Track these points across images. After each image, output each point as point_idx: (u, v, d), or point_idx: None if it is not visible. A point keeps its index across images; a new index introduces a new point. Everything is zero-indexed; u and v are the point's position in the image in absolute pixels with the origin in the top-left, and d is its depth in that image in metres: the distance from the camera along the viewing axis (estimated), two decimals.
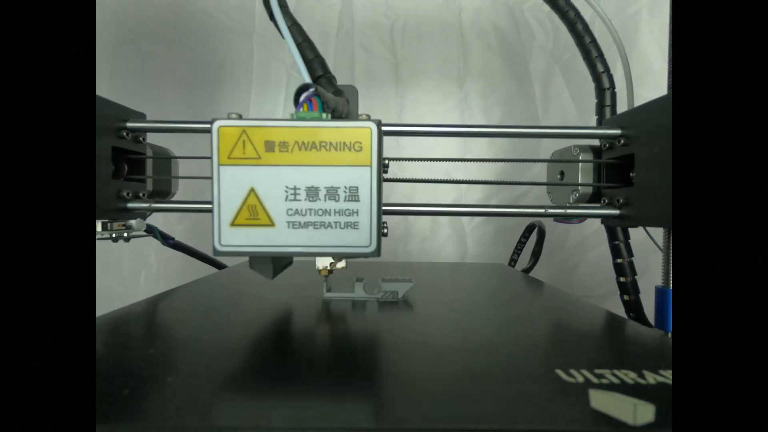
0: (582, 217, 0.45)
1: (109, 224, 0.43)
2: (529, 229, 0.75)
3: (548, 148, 0.52)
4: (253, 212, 0.32)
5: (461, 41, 0.93)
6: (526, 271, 0.71)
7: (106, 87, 0.85)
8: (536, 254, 0.72)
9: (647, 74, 0.84)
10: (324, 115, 0.33)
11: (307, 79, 0.38)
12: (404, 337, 0.34)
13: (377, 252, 0.33)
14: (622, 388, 0.23)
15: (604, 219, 0.46)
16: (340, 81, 0.90)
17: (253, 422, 0.20)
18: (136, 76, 0.90)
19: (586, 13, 0.51)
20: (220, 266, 0.69)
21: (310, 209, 0.32)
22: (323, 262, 0.39)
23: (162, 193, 0.49)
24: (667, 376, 0.25)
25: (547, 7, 0.90)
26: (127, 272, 0.94)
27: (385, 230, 0.35)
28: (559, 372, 0.25)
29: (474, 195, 0.93)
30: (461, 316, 0.41)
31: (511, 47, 0.93)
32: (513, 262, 0.77)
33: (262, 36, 0.93)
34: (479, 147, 0.92)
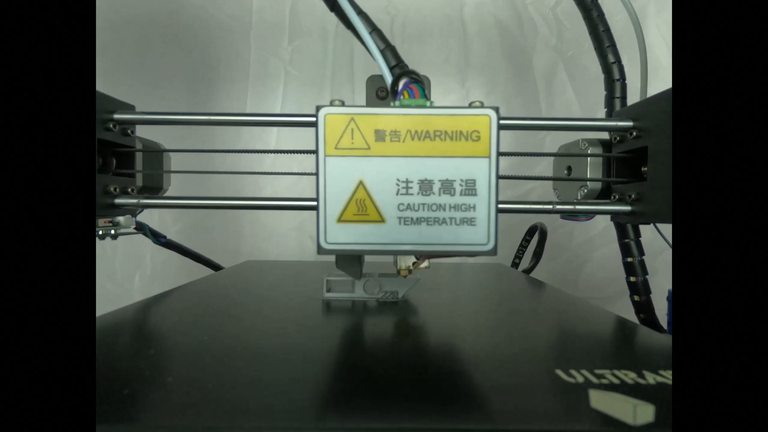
0: (590, 214, 0.43)
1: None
2: (531, 231, 0.74)
3: (553, 145, 0.50)
4: (361, 207, 0.30)
5: (463, 37, 0.92)
6: (527, 271, 0.70)
7: (101, 84, 0.82)
8: (537, 255, 0.71)
9: (654, 69, 0.82)
10: (428, 103, 0.31)
11: (385, 70, 0.36)
12: (404, 337, 0.33)
13: (494, 251, 0.30)
14: (622, 388, 0.23)
15: (614, 216, 0.44)
16: (340, 79, 0.89)
17: (253, 422, 0.19)
18: (131, 73, 0.89)
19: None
20: (215, 267, 0.67)
21: (423, 204, 0.30)
22: (406, 262, 0.37)
23: (153, 189, 0.47)
24: (667, 376, 0.25)
25: (550, 1, 0.90)
26: (121, 273, 0.93)
27: None
28: (559, 372, 0.25)
29: None
30: (461, 315, 0.41)
31: (514, 42, 0.92)
32: (515, 264, 0.77)
33: (260, 33, 0.92)
34: None
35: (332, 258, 0.40)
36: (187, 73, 0.92)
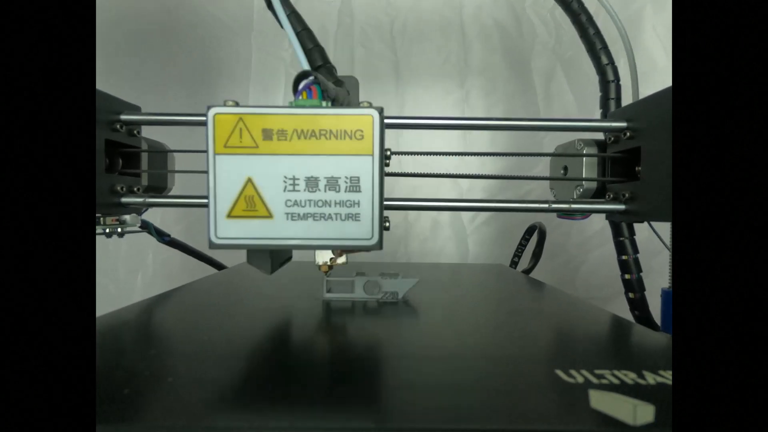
0: (586, 213, 0.44)
1: (102, 219, 0.42)
2: (530, 231, 0.75)
3: (552, 146, 0.51)
4: (250, 203, 0.31)
5: (462, 38, 0.93)
6: (527, 271, 0.71)
7: (102, 84, 0.83)
8: (537, 255, 0.71)
9: (651, 71, 0.83)
10: (324, 104, 0.32)
11: (307, 68, 0.36)
12: (404, 338, 0.34)
13: (379, 245, 0.31)
14: (622, 388, 0.23)
15: (609, 214, 0.45)
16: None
17: (253, 422, 0.20)
18: (133, 74, 0.89)
19: (590, 7, 0.50)
20: (218, 266, 0.68)
21: (310, 200, 0.31)
22: (323, 258, 0.38)
23: (158, 188, 0.48)
24: (667, 376, 0.24)
25: (549, 3, 0.91)
26: (124, 273, 0.93)
27: (387, 224, 0.34)
28: (559, 372, 0.25)
29: (475, 197, 0.92)
30: (461, 316, 0.40)
31: (512, 44, 0.92)
32: (514, 263, 0.77)
33: (261, 34, 0.93)
34: (481, 146, 0.92)
35: (333, 262, 0.40)
36: (188, 74, 0.92)
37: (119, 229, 0.44)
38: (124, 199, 0.42)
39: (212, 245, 0.31)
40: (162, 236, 0.53)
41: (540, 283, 0.57)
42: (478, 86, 0.93)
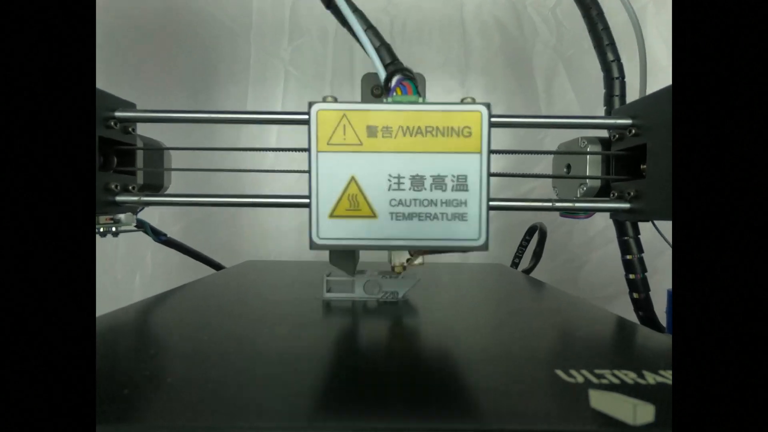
0: (590, 212, 0.44)
1: (96, 218, 0.42)
2: (530, 231, 0.74)
3: (552, 146, 0.51)
4: (353, 202, 0.30)
5: (463, 37, 0.92)
6: (527, 271, 0.70)
7: (101, 85, 0.82)
8: (537, 255, 0.71)
9: (653, 70, 0.82)
10: (420, 99, 0.31)
11: (379, 67, 0.36)
12: (404, 338, 0.33)
13: (485, 246, 0.31)
14: (622, 388, 0.23)
15: (614, 213, 0.44)
16: (340, 79, 0.89)
17: (253, 422, 0.19)
18: (131, 73, 0.89)
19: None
20: (215, 265, 0.67)
21: (415, 199, 0.30)
22: (400, 258, 0.37)
23: (154, 186, 0.48)
24: (667, 376, 0.24)
25: (550, 1, 0.90)
26: (121, 273, 0.93)
27: None
28: (559, 372, 0.25)
29: None
30: (461, 315, 0.40)
31: (514, 43, 0.92)
32: (515, 264, 0.77)
33: (260, 34, 0.92)
34: None
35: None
36: (188, 74, 0.92)
37: (114, 228, 0.43)
38: (118, 198, 0.41)
39: (313, 246, 0.30)
40: (158, 236, 0.53)
41: (540, 283, 0.57)
42: (479, 85, 0.93)
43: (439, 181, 0.30)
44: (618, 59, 0.47)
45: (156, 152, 0.47)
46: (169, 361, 0.27)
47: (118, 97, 0.42)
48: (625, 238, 0.46)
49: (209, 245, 0.70)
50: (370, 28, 0.37)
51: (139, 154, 0.45)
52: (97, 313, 0.34)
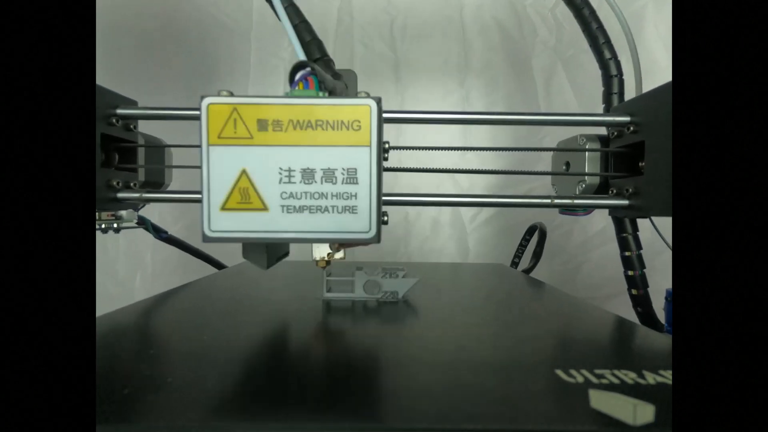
0: (589, 208, 0.44)
1: (98, 214, 0.42)
2: (530, 231, 0.74)
3: (552, 144, 0.51)
4: (245, 195, 0.30)
5: (463, 37, 0.92)
6: (527, 271, 0.70)
7: (99, 83, 0.82)
8: (537, 255, 0.71)
9: (652, 71, 0.83)
10: (321, 94, 0.31)
11: (303, 59, 0.36)
12: (404, 338, 0.33)
13: (377, 238, 0.31)
14: (622, 388, 0.23)
15: (612, 210, 0.45)
16: None
17: (252, 422, 0.19)
18: (132, 73, 0.89)
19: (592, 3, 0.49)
20: (216, 263, 0.68)
21: (306, 192, 0.30)
22: (320, 252, 0.37)
23: (155, 184, 0.48)
24: (667, 376, 0.24)
25: (549, 2, 0.91)
26: (122, 273, 0.93)
27: (386, 218, 0.33)
28: (559, 372, 0.25)
29: None
30: (461, 315, 0.40)
31: (513, 43, 0.92)
32: (515, 264, 0.77)
33: (260, 34, 0.93)
34: (481, 144, 0.91)
35: (331, 257, 0.40)
36: (187, 74, 0.92)
37: (115, 225, 0.44)
38: (120, 195, 0.42)
39: (206, 238, 0.30)
40: (159, 233, 0.53)
41: (540, 283, 0.57)
42: (479, 85, 0.93)
43: (329, 174, 0.30)
44: (615, 57, 0.47)
45: (157, 150, 0.48)
46: (169, 361, 0.28)
47: (119, 94, 0.42)
48: (624, 234, 0.46)
49: (209, 245, 0.70)
50: (302, 21, 0.38)
51: (141, 152, 0.45)
52: (98, 313, 0.34)
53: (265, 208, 0.30)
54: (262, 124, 0.30)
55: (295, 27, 0.37)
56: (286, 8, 0.37)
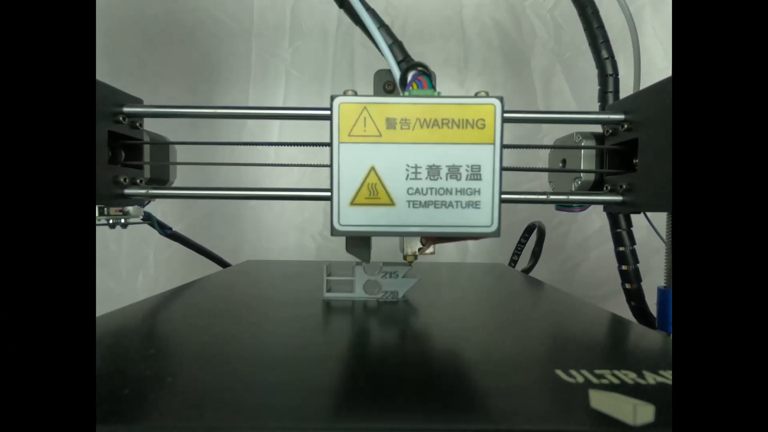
0: (584, 204, 0.45)
1: (105, 210, 0.43)
2: (529, 230, 0.75)
3: (550, 143, 0.52)
4: (373, 191, 0.32)
5: (462, 38, 0.93)
6: (526, 271, 0.71)
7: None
8: (536, 254, 0.72)
9: (650, 71, 0.83)
10: (436, 93, 0.33)
11: (393, 64, 0.37)
12: (404, 337, 0.34)
13: (498, 232, 0.32)
14: (622, 388, 0.23)
15: (607, 206, 0.45)
16: (341, 80, 0.90)
17: (253, 422, 0.20)
18: (132, 74, 0.89)
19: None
20: (219, 261, 0.68)
21: (432, 188, 0.32)
22: (411, 247, 0.38)
23: (160, 180, 0.49)
24: (667, 376, 0.25)
25: (549, 3, 0.91)
26: (125, 272, 0.94)
27: None
28: (559, 372, 0.25)
29: None
30: (461, 316, 0.41)
31: (512, 44, 0.93)
32: (513, 262, 0.77)
33: (261, 35, 0.93)
34: None
35: (331, 257, 0.41)
36: (188, 75, 0.93)
37: (122, 220, 0.45)
38: (127, 191, 0.42)
39: (335, 232, 0.32)
40: (164, 229, 0.54)
41: (540, 283, 0.57)
42: (478, 86, 0.94)
43: (454, 171, 0.32)
44: (612, 56, 0.48)
45: (161, 148, 0.48)
46: (169, 360, 0.28)
47: (125, 92, 0.43)
48: (618, 230, 0.47)
49: (210, 245, 0.71)
50: (382, 26, 0.39)
51: (146, 149, 0.46)
52: (100, 312, 0.34)
53: (392, 203, 0.32)
54: (390, 123, 0.31)
55: (379, 30, 0.38)
56: (367, 11, 0.39)
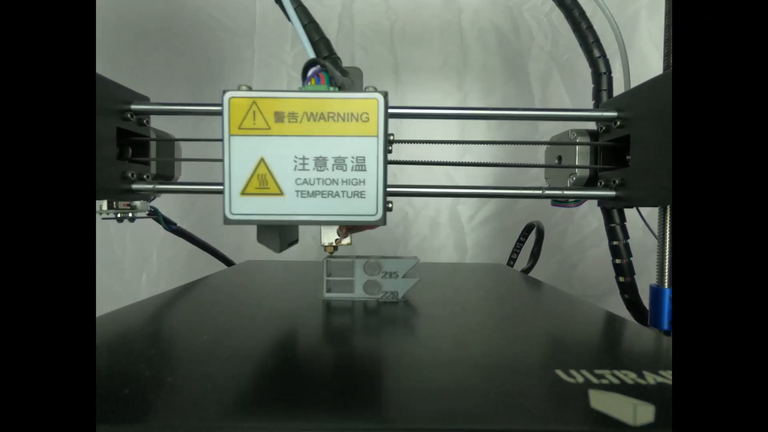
0: (579, 199, 0.46)
1: (114, 204, 0.44)
2: (527, 229, 0.75)
3: (545, 137, 0.53)
4: (262, 181, 0.33)
5: (461, 42, 0.94)
6: (525, 271, 0.71)
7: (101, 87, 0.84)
8: (535, 255, 0.72)
9: (645, 75, 0.85)
10: (331, 89, 0.34)
11: (314, 57, 0.38)
12: (403, 338, 0.34)
13: (383, 221, 0.34)
14: (622, 388, 0.23)
15: (601, 201, 0.47)
16: None
17: (253, 423, 0.20)
18: (135, 76, 0.90)
19: (586, 8, 0.51)
20: (221, 257, 0.69)
21: (319, 178, 0.33)
22: (329, 238, 0.39)
23: (165, 177, 0.50)
24: (667, 376, 0.24)
25: (546, 7, 0.93)
26: (129, 272, 0.95)
27: (390, 205, 0.36)
28: (559, 372, 0.25)
29: (471, 201, 0.94)
30: (460, 316, 0.41)
31: (510, 47, 0.94)
32: (512, 262, 0.77)
33: (263, 37, 0.94)
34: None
35: (329, 258, 0.42)
36: (191, 78, 0.94)
37: (130, 214, 0.46)
38: (134, 186, 0.44)
39: (227, 221, 0.33)
40: (169, 224, 0.55)
41: (539, 283, 0.57)
42: (476, 89, 0.95)
43: (340, 162, 0.33)
44: (604, 55, 0.49)
45: (167, 145, 0.50)
46: (169, 360, 0.27)
47: (133, 90, 0.44)
48: (612, 224, 0.48)
49: (218, 240, 0.71)
50: (311, 22, 0.40)
51: (152, 145, 0.47)
52: (103, 312, 0.35)
53: (281, 193, 0.33)
54: (278, 116, 0.33)
55: (305, 27, 0.40)
56: (295, 9, 0.40)
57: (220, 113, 0.44)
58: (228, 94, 0.33)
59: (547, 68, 0.93)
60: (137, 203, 0.46)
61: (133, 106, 0.44)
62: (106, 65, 0.42)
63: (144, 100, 0.46)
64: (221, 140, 0.33)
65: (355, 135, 0.33)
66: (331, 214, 0.34)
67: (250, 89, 0.33)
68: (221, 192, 0.44)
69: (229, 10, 0.94)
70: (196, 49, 0.94)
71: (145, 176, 0.46)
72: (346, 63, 0.94)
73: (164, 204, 0.55)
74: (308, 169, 0.33)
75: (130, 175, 0.44)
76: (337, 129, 0.33)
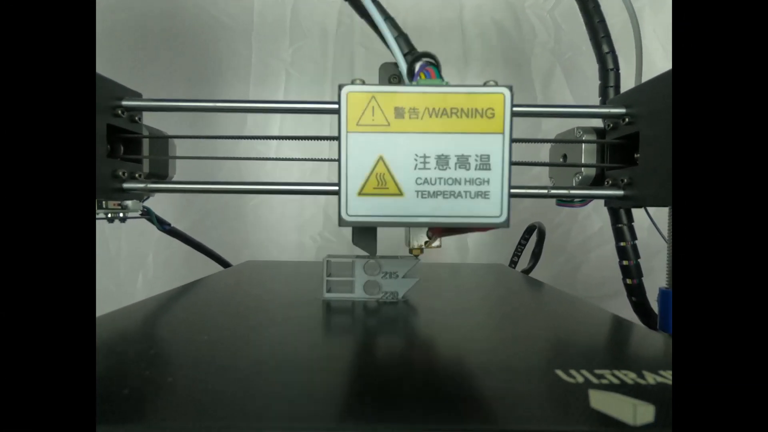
0: (585, 199, 0.45)
1: (104, 203, 0.43)
2: (529, 231, 0.75)
3: (548, 136, 0.51)
4: (381, 181, 0.31)
5: (462, 39, 0.93)
6: (526, 271, 0.71)
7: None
8: (536, 255, 0.71)
9: (650, 73, 0.83)
10: (444, 82, 0.32)
11: (399, 56, 0.37)
12: (404, 338, 0.34)
13: (507, 223, 0.32)
14: (622, 388, 0.23)
15: (608, 200, 0.45)
16: (341, 80, 0.90)
17: (253, 422, 0.19)
18: (132, 74, 0.89)
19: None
20: (217, 258, 0.68)
21: (440, 178, 0.31)
22: (418, 241, 0.38)
23: (159, 175, 0.49)
24: (667, 376, 0.24)
25: (548, 4, 0.91)
26: (124, 273, 0.94)
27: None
28: (559, 372, 0.25)
29: None
30: (461, 316, 0.40)
31: (512, 45, 0.93)
32: (513, 263, 0.77)
33: (261, 35, 0.93)
34: None
35: (329, 259, 0.41)
36: (188, 75, 0.93)
37: (121, 214, 0.44)
38: (125, 185, 0.42)
39: (342, 222, 0.32)
40: (162, 225, 0.54)
41: (540, 283, 0.57)
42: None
43: (463, 161, 0.31)
44: (613, 51, 0.48)
45: (161, 143, 0.48)
46: (168, 360, 0.27)
47: (124, 86, 0.43)
48: (619, 225, 0.46)
49: (209, 245, 0.71)
50: (388, 18, 0.39)
51: (145, 143, 0.46)
52: (99, 313, 0.34)
53: (400, 194, 0.32)
54: (399, 112, 0.31)
55: (385, 22, 0.38)
56: (373, 3, 0.38)
57: (215, 110, 0.43)
58: (346, 89, 0.31)
59: (550, 65, 0.92)
60: (129, 203, 0.45)
61: (125, 102, 0.42)
62: (106, 65, 0.40)
63: (136, 96, 0.44)
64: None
65: (480, 132, 0.31)
66: (453, 215, 0.32)
67: (364, 83, 0.31)
68: (216, 191, 0.43)
69: (227, 9, 0.93)
70: (193, 47, 0.93)
71: (137, 175, 0.44)
72: (346, 62, 0.94)
73: (160, 206, 0.55)
74: (429, 168, 0.31)
75: (121, 173, 0.42)
76: (460, 125, 0.31)
